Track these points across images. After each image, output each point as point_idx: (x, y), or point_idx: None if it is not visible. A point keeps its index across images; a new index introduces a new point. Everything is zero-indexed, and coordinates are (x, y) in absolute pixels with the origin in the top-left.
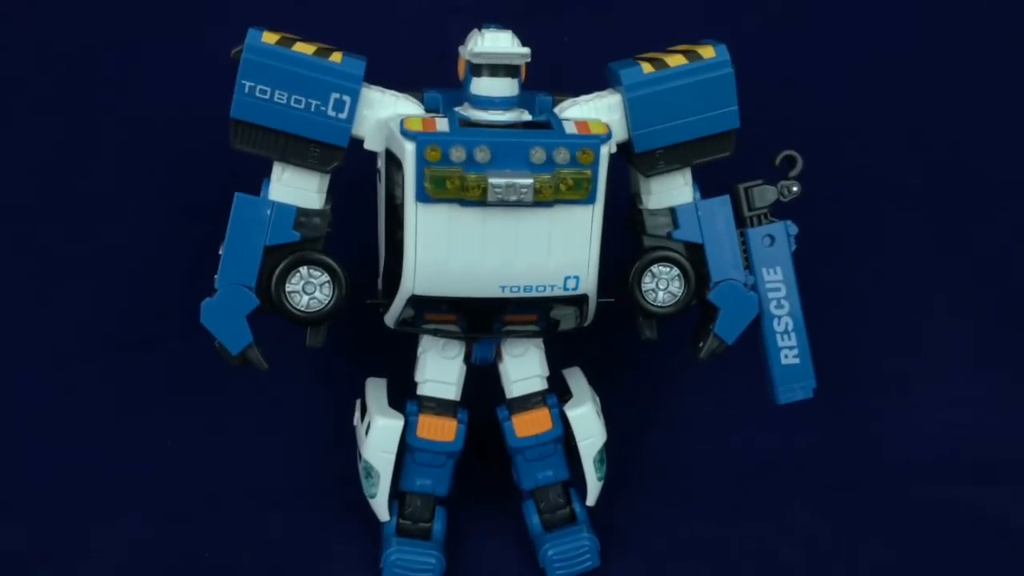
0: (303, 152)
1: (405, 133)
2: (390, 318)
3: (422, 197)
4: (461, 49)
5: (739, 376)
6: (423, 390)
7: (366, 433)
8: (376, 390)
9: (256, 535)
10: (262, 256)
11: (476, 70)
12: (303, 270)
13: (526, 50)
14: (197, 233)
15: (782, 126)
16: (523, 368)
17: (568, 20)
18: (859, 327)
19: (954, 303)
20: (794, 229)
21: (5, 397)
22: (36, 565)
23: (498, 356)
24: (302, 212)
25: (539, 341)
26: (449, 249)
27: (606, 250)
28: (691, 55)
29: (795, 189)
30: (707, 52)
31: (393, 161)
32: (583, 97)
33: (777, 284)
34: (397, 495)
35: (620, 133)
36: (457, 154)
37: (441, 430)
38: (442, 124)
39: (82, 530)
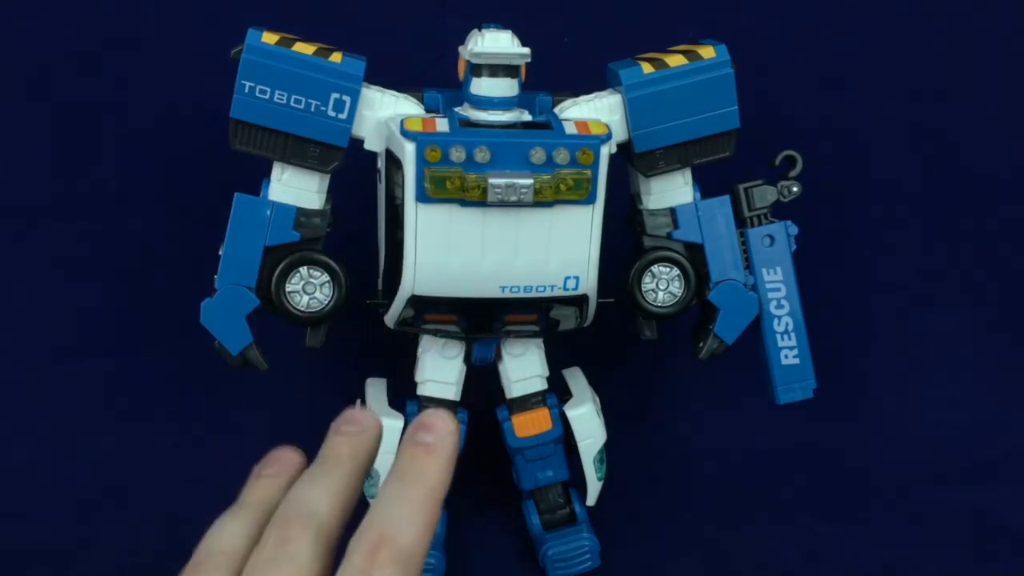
0: (303, 152)
1: (405, 133)
2: (390, 318)
3: (422, 197)
4: (461, 49)
5: (739, 376)
6: (423, 390)
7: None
8: (376, 390)
9: None
10: (262, 256)
11: (476, 70)
12: (303, 270)
13: (526, 50)
14: (197, 233)
15: (782, 126)
16: (523, 368)
17: (568, 20)
18: (859, 327)
19: (954, 303)
20: (794, 229)
21: (5, 396)
22: (36, 565)
23: (498, 356)
24: (302, 212)
25: (539, 341)
26: (449, 249)
27: (606, 250)
28: (691, 55)
29: (795, 189)
30: (707, 52)
31: (393, 161)
32: (583, 97)
33: (777, 284)
34: None
35: (620, 133)
36: (457, 154)
37: None
38: (442, 124)
39: (82, 530)
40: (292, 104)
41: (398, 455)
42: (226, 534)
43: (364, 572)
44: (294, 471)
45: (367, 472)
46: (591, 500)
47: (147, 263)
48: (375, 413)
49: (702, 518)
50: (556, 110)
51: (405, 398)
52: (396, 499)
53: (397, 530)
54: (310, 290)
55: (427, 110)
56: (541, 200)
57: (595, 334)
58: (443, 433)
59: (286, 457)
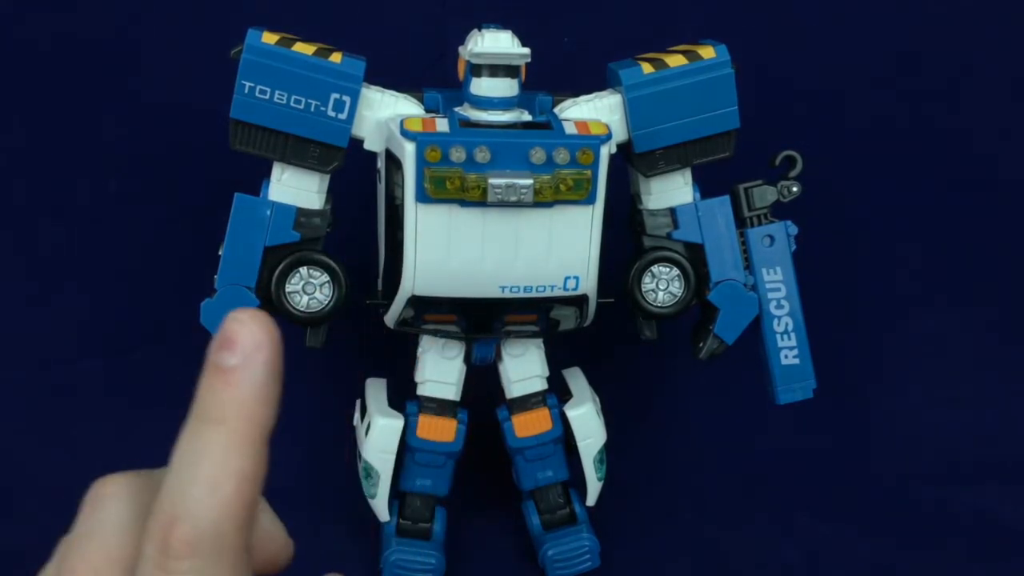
0: (303, 152)
1: (405, 133)
2: (390, 318)
3: (422, 197)
4: (461, 49)
5: (739, 376)
6: (423, 390)
7: (366, 433)
8: (376, 390)
9: None
10: (262, 256)
11: (476, 70)
12: (303, 270)
13: (526, 50)
14: (197, 233)
15: (782, 126)
16: (523, 368)
17: (568, 20)
18: (859, 327)
19: (954, 303)
20: (794, 229)
21: (5, 396)
22: (36, 565)
23: (498, 356)
24: (302, 212)
25: (539, 341)
26: (449, 249)
27: (606, 250)
28: (691, 55)
29: (795, 189)
30: (707, 52)
31: (393, 161)
32: (583, 97)
33: (777, 284)
34: (397, 495)
35: (620, 133)
36: (457, 154)
37: (441, 430)
38: (442, 124)
39: None
40: (292, 104)
41: (198, 388)
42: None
43: (159, 567)
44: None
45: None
46: (591, 500)
47: (147, 263)
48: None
49: (702, 518)
50: (556, 110)
51: (405, 398)
52: (191, 458)
53: (191, 504)
54: (310, 290)
55: (427, 110)
56: (541, 200)
57: (595, 334)
58: (249, 348)
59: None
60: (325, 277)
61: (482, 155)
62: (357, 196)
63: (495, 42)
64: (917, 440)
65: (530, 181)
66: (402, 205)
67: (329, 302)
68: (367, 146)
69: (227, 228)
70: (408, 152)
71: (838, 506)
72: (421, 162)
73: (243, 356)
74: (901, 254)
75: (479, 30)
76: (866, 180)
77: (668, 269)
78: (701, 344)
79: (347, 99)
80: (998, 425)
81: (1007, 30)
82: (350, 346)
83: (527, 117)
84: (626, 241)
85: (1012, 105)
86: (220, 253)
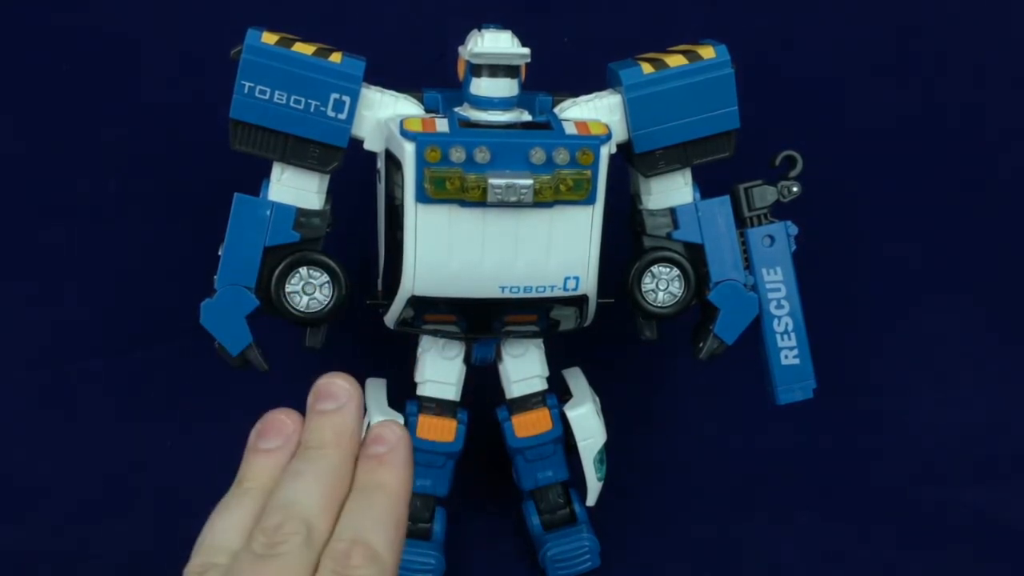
0: (303, 152)
1: (405, 134)
2: (390, 318)
3: (422, 198)
4: (461, 49)
5: (739, 376)
6: (423, 390)
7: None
8: (376, 390)
9: None
10: (262, 257)
11: (476, 70)
12: (303, 270)
13: (526, 50)
14: (197, 233)
15: (782, 126)
16: (523, 368)
17: (568, 20)
18: (859, 327)
19: (954, 303)
20: (794, 229)
21: (4, 397)
22: (36, 565)
23: (498, 356)
24: (302, 212)
25: (539, 341)
26: (449, 250)
27: (606, 250)
28: (691, 55)
29: (795, 189)
30: (707, 52)
31: (393, 162)
32: (583, 97)
33: (777, 284)
34: None
35: (620, 134)
36: (457, 155)
37: (441, 430)
38: (442, 124)
39: (82, 530)
40: (292, 104)
41: (356, 471)
42: (226, 530)
43: (339, 573)
44: (294, 442)
45: (355, 455)
46: (591, 500)
47: (147, 263)
48: (350, 378)
49: (702, 518)
50: (556, 110)
51: (405, 398)
52: (361, 510)
53: (367, 535)
54: (310, 290)
55: (427, 110)
56: (541, 200)
57: (595, 334)
58: (394, 441)
59: (283, 424)
60: (325, 277)
61: (482, 155)
62: (357, 196)
63: (495, 42)
64: (917, 440)
65: (530, 181)
66: (402, 205)
67: (329, 302)
68: (367, 146)
69: (227, 228)
70: (408, 152)
71: (838, 506)
72: (421, 162)
73: (389, 447)
74: (901, 254)
75: (479, 30)
76: (866, 180)
77: (668, 269)
78: (701, 344)
79: (347, 99)
80: (998, 425)
81: (1007, 30)
82: (350, 346)
83: (527, 117)
84: (626, 241)
85: (1012, 105)
86: (220, 253)
